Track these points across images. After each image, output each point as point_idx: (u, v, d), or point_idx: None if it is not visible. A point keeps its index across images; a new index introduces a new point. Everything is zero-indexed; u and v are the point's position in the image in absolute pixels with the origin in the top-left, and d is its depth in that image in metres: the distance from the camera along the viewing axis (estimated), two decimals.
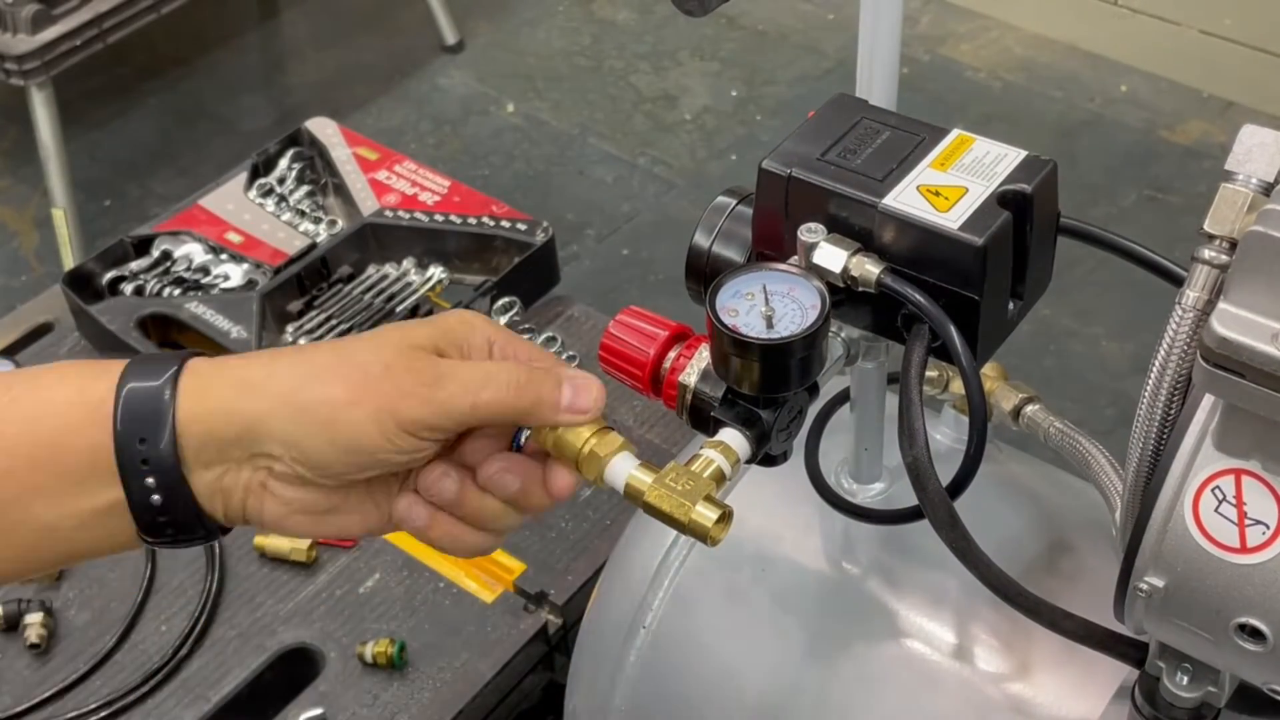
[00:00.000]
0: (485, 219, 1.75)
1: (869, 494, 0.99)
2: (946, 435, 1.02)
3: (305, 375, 0.66)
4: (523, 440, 0.71)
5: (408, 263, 1.74)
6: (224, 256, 1.74)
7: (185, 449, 0.65)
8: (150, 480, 0.65)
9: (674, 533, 0.92)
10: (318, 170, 1.87)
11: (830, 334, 0.75)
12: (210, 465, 0.66)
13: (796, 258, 0.75)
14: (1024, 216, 0.73)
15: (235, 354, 0.70)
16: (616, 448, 0.70)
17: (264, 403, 0.65)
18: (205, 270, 1.73)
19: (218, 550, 1.41)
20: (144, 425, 0.64)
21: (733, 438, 0.72)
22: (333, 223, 1.78)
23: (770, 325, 0.70)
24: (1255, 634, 0.64)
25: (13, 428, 0.65)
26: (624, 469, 0.70)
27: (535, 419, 0.69)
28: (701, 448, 0.72)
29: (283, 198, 1.83)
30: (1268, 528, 0.62)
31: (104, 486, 0.65)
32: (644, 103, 2.80)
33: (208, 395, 0.65)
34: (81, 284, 1.70)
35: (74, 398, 0.65)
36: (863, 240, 0.74)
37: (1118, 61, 2.79)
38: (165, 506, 0.66)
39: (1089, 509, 0.95)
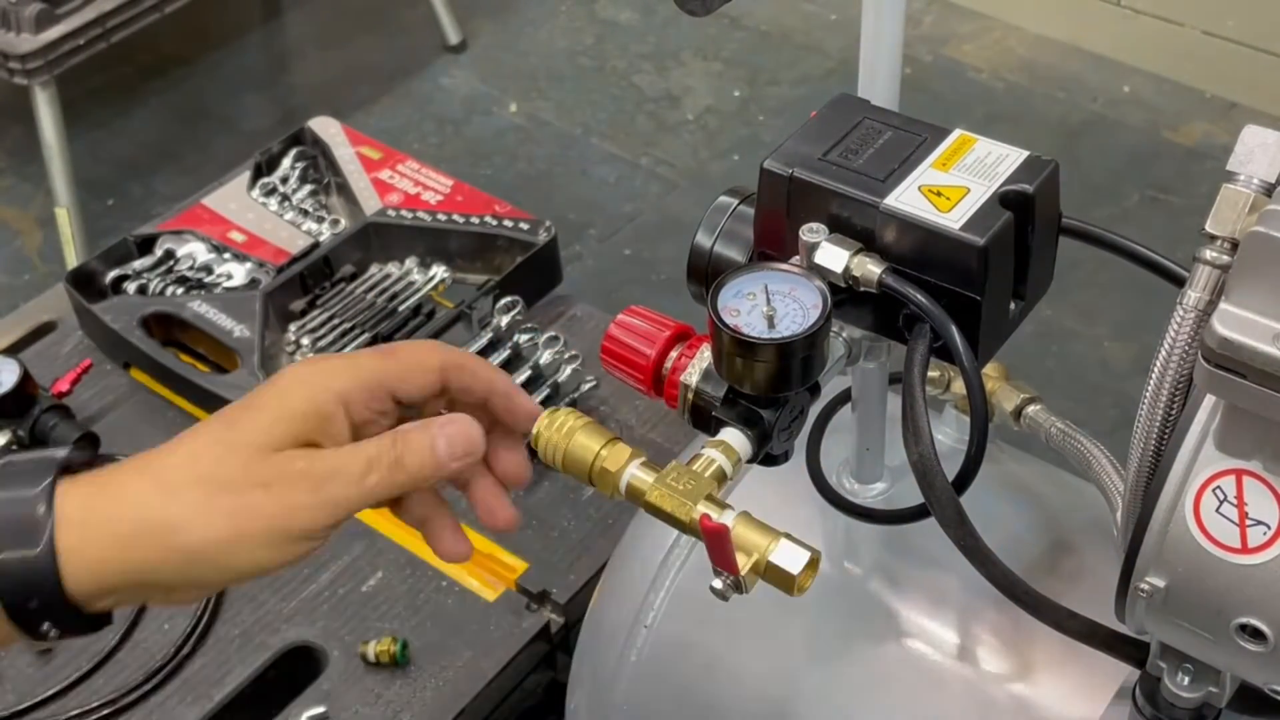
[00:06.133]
0: (488, 218, 1.75)
1: (870, 494, 0.99)
2: (948, 435, 1.02)
3: (179, 515, 0.63)
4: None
5: (410, 262, 1.74)
6: (227, 255, 1.74)
7: (74, 597, 0.63)
8: (45, 627, 0.64)
9: (675, 532, 0.93)
10: (320, 169, 1.87)
11: (832, 334, 0.75)
12: (104, 598, 0.65)
13: (798, 258, 0.75)
14: (1026, 217, 0.73)
15: (94, 470, 0.65)
16: (626, 459, 0.70)
17: (147, 553, 0.64)
18: (208, 269, 1.74)
19: None
20: (28, 595, 0.62)
21: (734, 437, 0.73)
22: (335, 222, 1.78)
23: (772, 325, 0.70)
24: (1256, 634, 0.64)
25: None
26: (627, 469, 0.70)
27: (425, 482, 0.69)
28: (703, 447, 0.72)
29: (286, 197, 1.83)
30: (1268, 528, 0.62)
31: None
32: (646, 103, 2.80)
33: (86, 550, 0.63)
34: (84, 283, 1.70)
35: None
36: (864, 240, 0.74)
37: (1120, 62, 2.79)
38: (61, 634, 0.65)
39: (1090, 509, 0.95)
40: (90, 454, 0.68)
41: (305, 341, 1.64)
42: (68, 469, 0.65)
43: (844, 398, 0.97)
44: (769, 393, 0.72)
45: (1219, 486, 0.63)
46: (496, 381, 0.73)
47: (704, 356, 0.75)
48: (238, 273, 1.72)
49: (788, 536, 0.67)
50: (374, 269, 1.74)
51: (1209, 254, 0.63)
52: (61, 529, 0.63)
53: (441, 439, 0.69)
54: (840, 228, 0.75)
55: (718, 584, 0.68)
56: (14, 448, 1.52)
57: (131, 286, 1.71)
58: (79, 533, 0.63)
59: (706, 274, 0.81)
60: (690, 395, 0.75)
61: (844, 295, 0.75)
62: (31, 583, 0.62)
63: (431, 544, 0.74)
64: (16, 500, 0.63)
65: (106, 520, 0.64)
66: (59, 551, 0.62)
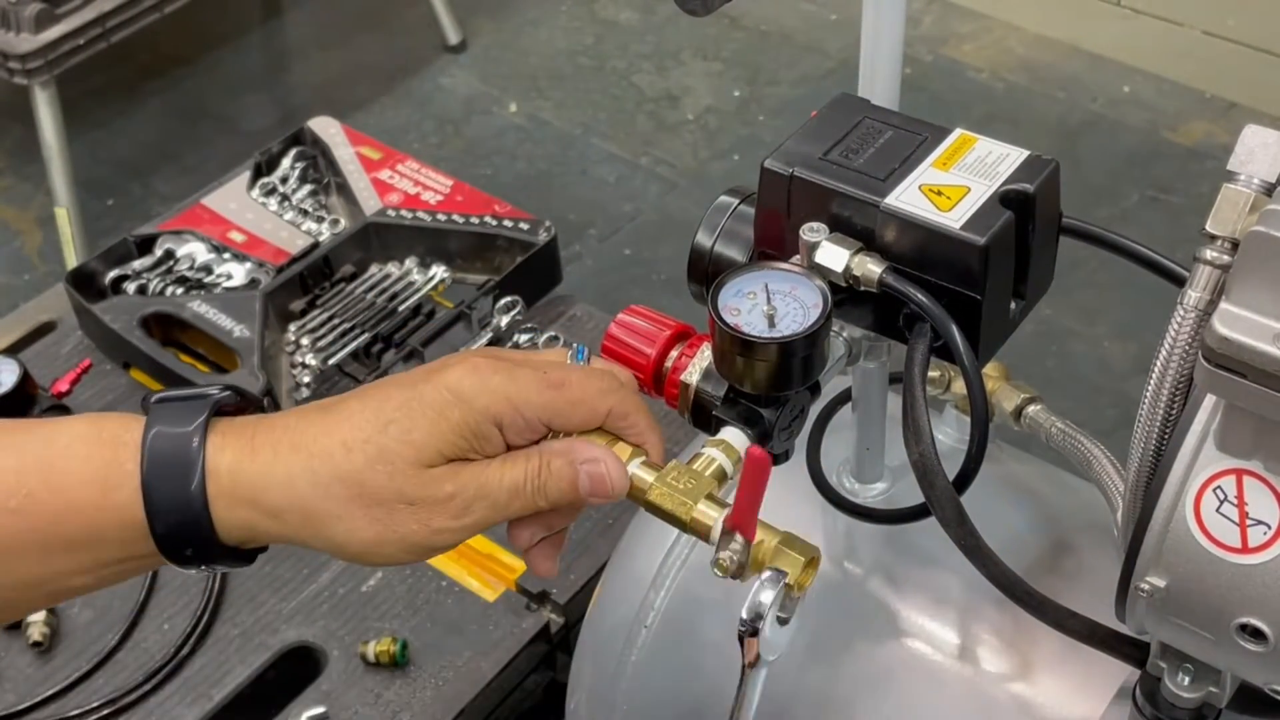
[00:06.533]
0: (488, 218, 1.75)
1: (871, 493, 0.99)
2: (948, 435, 1.02)
3: (326, 509, 0.66)
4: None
5: (410, 262, 1.74)
6: (227, 255, 1.75)
7: (225, 541, 0.67)
8: (202, 568, 0.69)
9: (676, 532, 0.92)
10: (320, 169, 1.87)
11: (832, 333, 0.75)
12: (251, 544, 0.69)
13: (798, 257, 0.75)
14: (1026, 216, 0.73)
15: (243, 421, 0.68)
16: (626, 458, 0.70)
17: (293, 529, 0.67)
18: (208, 269, 1.74)
19: None
20: (182, 541, 0.66)
21: (735, 436, 0.73)
22: (335, 222, 1.78)
23: (772, 324, 0.70)
24: (1256, 634, 0.64)
25: (41, 520, 0.66)
26: (627, 468, 0.70)
27: (563, 508, 0.71)
28: (703, 447, 0.72)
29: (285, 197, 1.83)
30: (1269, 528, 0.62)
31: (142, 561, 0.68)
32: (646, 102, 2.80)
33: (234, 509, 0.66)
34: (84, 283, 1.70)
35: (98, 500, 0.66)
36: (865, 240, 0.74)
37: (1120, 62, 2.79)
38: (207, 567, 0.70)
39: (1090, 509, 0.95)
40: (239, 399, 0.70)
41: (305, 341, 1.64)
42: (219, 411, 0.68)
43: (844, 397, 0.97)
44: (769, 392, 0.72)
45: (1219, 486, 0.63)
46: (651, 446, 0.72)
47: (704, 356, 0.75)
48: (237, 273, 1.72)
49: (788, 535, 0.67)
50: (374, 269, 1.74)
51: (1209, 254, 0.63)
52: (211, 480, 0.66)
53: (584, 476, 0.69)
54: (840, 227, 0.75)
55: (724, 555, 0.67)
56: None
57: (131, 286, 1.71)
58: (229, 493, 0.66)
59: (707, 273, 0.81)
60: (691, 394, 0.75)
61: (844, 295, 0.75)
62: (185, 529, 0.66)
63: (529, 560, 0.73)
64: (172, 436, 0.66)
65: (254, 487, 0.66)
66: (209, 500, 0.66)
